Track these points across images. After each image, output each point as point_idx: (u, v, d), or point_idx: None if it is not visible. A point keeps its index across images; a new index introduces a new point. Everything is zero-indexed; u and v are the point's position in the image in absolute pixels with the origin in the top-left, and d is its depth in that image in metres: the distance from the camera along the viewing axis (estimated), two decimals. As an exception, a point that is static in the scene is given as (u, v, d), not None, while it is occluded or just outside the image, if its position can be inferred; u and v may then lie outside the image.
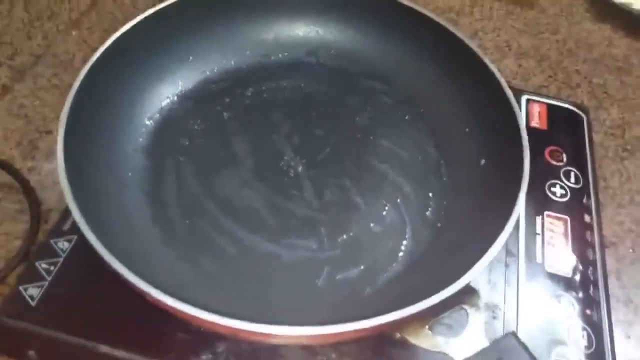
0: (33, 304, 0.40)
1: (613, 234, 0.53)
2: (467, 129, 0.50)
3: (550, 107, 0.60)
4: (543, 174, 0.53)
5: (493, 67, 0.48)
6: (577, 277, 0.46)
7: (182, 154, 0.49)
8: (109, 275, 0.39)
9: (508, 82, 0.47)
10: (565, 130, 0.58)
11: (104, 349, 0.39)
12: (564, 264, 0.47)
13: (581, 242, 0.49)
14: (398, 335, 0.33)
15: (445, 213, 0.47)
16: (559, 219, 0.50)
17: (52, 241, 0.44)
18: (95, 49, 0.63)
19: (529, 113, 0.58)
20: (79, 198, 0.36)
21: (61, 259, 0.43)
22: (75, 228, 0.45)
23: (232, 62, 0.55)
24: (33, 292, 0.41)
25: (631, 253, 0.53)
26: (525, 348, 0.33)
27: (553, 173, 0.53)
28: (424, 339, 0.33)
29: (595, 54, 0.74)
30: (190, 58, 0.54)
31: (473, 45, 0.50)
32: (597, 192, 0.53)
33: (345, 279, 0.43)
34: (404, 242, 0.45)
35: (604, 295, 0.46)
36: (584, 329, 0.43)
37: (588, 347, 0.42)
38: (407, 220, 0.46)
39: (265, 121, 0.51)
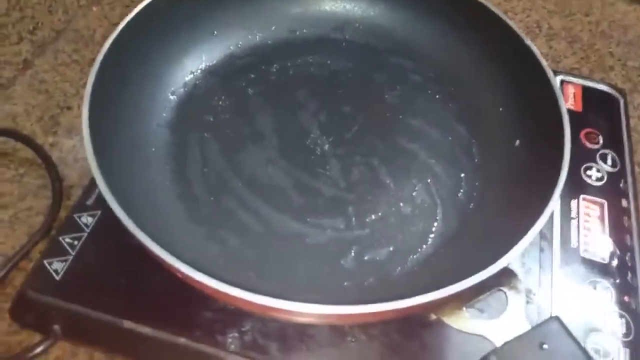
0: (57, 278, 0.40)
1: (650, 220, 0.51)
2: (500, 109, 0.48)
3: (585, 89, 0.57)
4: (579, 156, 0.51)
5: (531, 44, 0.46)
6: (614, 263, 0.44)
7: (207, 130, 0.48)
8: (134, 250, 0.38)
9: (538, 64, 0.45)
10: (601, 112, 0.56)
11: (129, 324, 0.38)
12: (601, 249, 0.45)
13: (618, 227, 0.47)
14: (434, 316, 0.32)
15: (478, 194, 0.45)
16: (595, 202, 0.48)
17: (75, 216, 0.43)
18: (116, 25, 0.63)
19: (564, 94, 0.56)
20: (105, 172, 0.35)
21: (85, 234, 0.42)
22: (98, 203, 0.45)
23: (258, 38, 0.54)
24: (57, 266, 0.40)
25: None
26: (570, 333, 0.31)
27: (589, 156, 0.51)
28: (461, 321, 0.32)
29: (630, 36, 0.71)
30: (215, 32, 0.52)
31: (509, 20, 0.48)
32: (635, 176, 0.51)
33: (373, 259, 0.41)
34: (435, 224, 0.43)
35: (642, 282, 0.44)
36: (621, 316, 0.42)
37: (626, 334, 0.41)
38: (438, 202, 0.45)
39: (290, 98, 0.50)
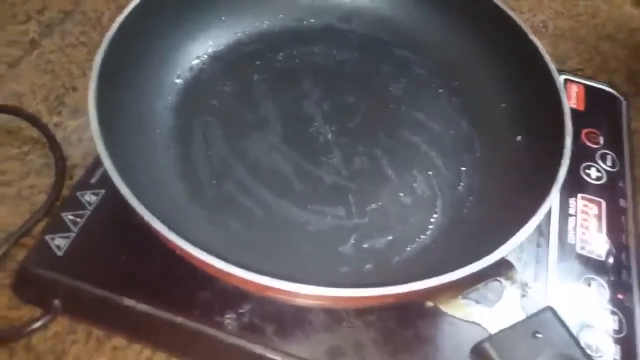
0: (59, 254, 0.40)
1: (647, 221, 0.52)
2: (503, 104, 0.49)
3: (588, 89, 0.58)
4: (579, 155, 0.51)
5: (535, 39, 0.46)
6: (610, 261, 0.45)
7: (211, 114, 0.48)
8: (136, 229, 0.39)
9: (542, 65, 0.46)
10: (603, 112, 0.56)
11: (128, 302, 0.39)
12: (597, 246, 0.46)
13: (615, 226, 0.47)
14: (430, 304, 0.33)
15: (478, 188, 0.45)
16: (593, 201, 0.49)
17: (78, 194, 0.44)
18: (123, 8, 0.63)
19: (567, 93, 0.57)
20: (110, 150, 0.35)
21: (88, 212, 0.43)
22: (102, 182, 0.45)
23: (265, 25, 0.54)
24: (60, 242, 0.41)
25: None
26: (563, 323, 0.32)
27: (589, 155, 0.52)
28: (457, 309, 0.32)
29: (635, 39, 0.72)
30: (223, 18, 0.53)
31: (515, 16, 0.48)
32: (634, 177, 0.51)
33: (372, 248, 0.42)
34: (434, 215, 0.44)
35: (636, 281, 0.44)
36: (614, 313, 0.42)
37: (618, 331, 0.41)
38: (438, 193, 0.45)
39: (295, 86, 0.50)
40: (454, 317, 0.32)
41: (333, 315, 0.39)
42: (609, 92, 0.58)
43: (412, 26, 0.54)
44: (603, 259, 0.45)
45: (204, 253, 0.31)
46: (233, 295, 0.39)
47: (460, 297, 0.32)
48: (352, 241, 0.42)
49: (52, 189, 0.50)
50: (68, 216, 0.42)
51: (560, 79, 0.57)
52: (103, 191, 0.44)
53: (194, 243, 0.32)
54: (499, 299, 0.33)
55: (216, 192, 0.44)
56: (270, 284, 0.30)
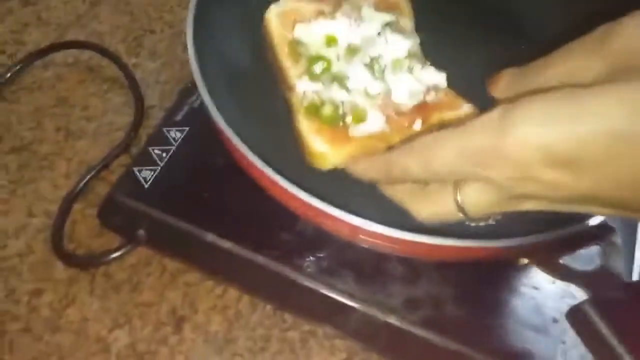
0: (146, 185, 0.41)
1: None
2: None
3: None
4: None
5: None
6: None
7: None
8: (220, 167, 0.39)
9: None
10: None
11: (210, 237, 0.39)
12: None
13: None
14: (524, 261, 0.32)
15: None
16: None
17: (164, 129, 0.44)
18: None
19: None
20: (208, 84, 0.35)
21: (173, 147, 0.43)
22: (187, 120, 0.45)
23: None
24: (146, 174, 0.41)
25: None
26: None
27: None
28: (554, 269, 0.31)
29: None
30: None
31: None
32: None
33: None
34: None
35: None
36: None
37: None
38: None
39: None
40: (550, 277, 0.31)
41: (411, 268, 0.39)
42: None
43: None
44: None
45: (301, 192, 0.31)
46: (313, 239, 0.39)
47: (558, 257, 0.31)
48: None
49: (131, 127, 0.51)
50: (155, 150, 0.43)
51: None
52: (187, 128, 0.44)
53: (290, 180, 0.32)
54: (600, 263, 0.32)
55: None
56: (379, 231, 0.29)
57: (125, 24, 0.60)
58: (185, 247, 0.41)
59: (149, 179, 0.41)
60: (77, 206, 0.47)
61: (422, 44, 0.43)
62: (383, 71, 0.38)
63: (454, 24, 0.48)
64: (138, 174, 0.41)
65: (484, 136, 0.25)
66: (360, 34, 0.39)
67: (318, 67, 0.38)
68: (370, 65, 0.38)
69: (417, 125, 0.37)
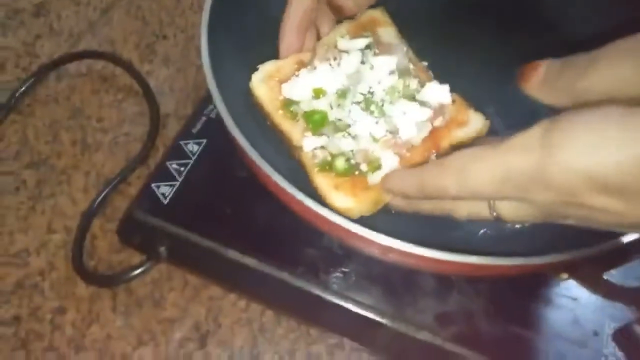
0: (165, 202, 0.40)
1: None
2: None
3: None
4: None
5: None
6: None
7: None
8: (240, 180, 0.38)
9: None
10: None
11: (233, 254, 0.38)
12: None
13: None
14: (565, 276, 0.30)
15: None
16: None
17: (181, 143, 0.43)
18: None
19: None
20: (225, 100, 0.33)
21: (191, 161, 0.42)
22: (204, 132, 0.44)
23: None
24: (165, 190, 0.40)
25: None
26: None
27: None
28: (597, 285, 0.29)
29: None
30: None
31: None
32: None
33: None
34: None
35: None
36: None
37: None
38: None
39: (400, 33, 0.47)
40: (593, 293, 0.29)
41: (443, 281, 0.37)
42: None
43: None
44: None
45: (319, 206, 0.30)
46: (340, 254, 0.38)
47: (602, 274, 0.30)
48: (464, 205, 0.39)
49: (148, 137, 0.50)
50: (173, 165, 0.41)
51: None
52: (205, 141, 0.43)
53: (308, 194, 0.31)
54: (645, 277, 0.30)
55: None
56: (401, 248, 0.28)
57: (137, 29, 0.59)
58: (207, 263, 0.40)
59: (168, 195, 0.40)
60: (96, 221, 0.46)
61: (414, 48, 0.42)
62: (381, 107, 0.37)
63: (441, 22, 0.46)
64: (156, 190, 0.40)
65: (525, 158, 0.23)
66: (344, 72, 0.39)
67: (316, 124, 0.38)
68: (366, 106, 0.37)
69: (433, 158, 0.37)
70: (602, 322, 0.33)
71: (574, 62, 0.28)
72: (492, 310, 0.36)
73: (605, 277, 0.29)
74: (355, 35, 0.42)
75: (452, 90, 0.42)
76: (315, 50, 0.41)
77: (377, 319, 0.36)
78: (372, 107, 0.38)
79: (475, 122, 0.40)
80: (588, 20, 0.47)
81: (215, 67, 0.35)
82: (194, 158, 0.42)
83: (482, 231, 0.38)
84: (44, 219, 0.47)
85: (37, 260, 0.45)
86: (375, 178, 0.36)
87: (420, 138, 0.38)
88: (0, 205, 0.47)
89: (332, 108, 0.39)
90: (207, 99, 0.44)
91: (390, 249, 0.29)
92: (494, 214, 0.28)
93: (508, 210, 0.28)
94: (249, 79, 0.42)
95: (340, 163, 0.37)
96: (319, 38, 0.43)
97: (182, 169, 0.41)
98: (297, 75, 0.40)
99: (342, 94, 0.39)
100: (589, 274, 0.29)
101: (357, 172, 0.37)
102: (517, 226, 0.38)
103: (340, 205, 0.36)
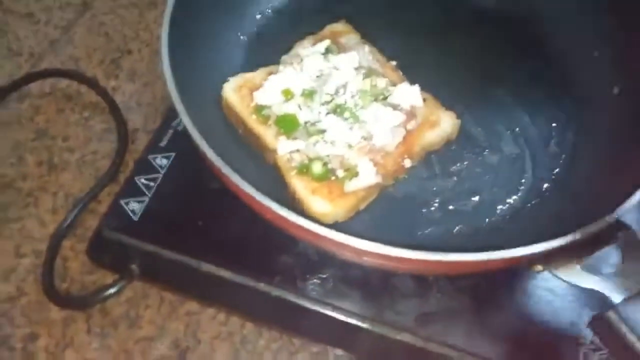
0: (135, 218, 0.39)
1: None
2: (595, 53, 0.44)
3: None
4: None
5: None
6: None
7: (278, 72, 0.46)
8: (210, 192, 0.37)
9: None
10: None
11: (206, 267, 0.38)
12: None
13: None
14: (539, 268, 0.30)
15: (571, 146, 0.42)
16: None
17: (150, 157, 0.42)
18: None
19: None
20: (190, 114, 0.33)
21: (160, 175, 0.41)
22: (173, 145, 0.43)
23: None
24: (134, 206, 0.39)
25: None
26: (696, 289, 0.29)
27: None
28: (573, 275, 0.30)
29: None
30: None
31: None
32: None
33: (459, 210, 0.39)
34: (525, 175, 0.41)
35: None
36: None
37: None
38: (527, 152, 0.42)
39: (366, 38, 0.47)
40: (569, 283, 0.29)
41: (421, 281, 0.37)
42: None
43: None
44: None
45: (292, 214, 0.29)
46: (316, 260, 0.37)
47: (575, 262, 0.30)
48: (437, 203, 0.39)
49: (116, 154, 0.49)
50: (141, 180, 0.41)
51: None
52: (173, 154, 0.42)
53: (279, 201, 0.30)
54: (619, 265, 0.30)
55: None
56: (370, 249, 0.28)
57: (101, 46, 0.58)
58: (182, 278, 0.39)
59: (138, 211, 0.39)
60: (66, 242, 0.45)
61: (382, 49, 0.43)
62: (354, 113, 0.37)
63: (408, 23, 0.48)
64: (125, 206, 0.39)
65: None
66: (308, 74, 0.40)
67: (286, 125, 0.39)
68: (340, 112, 0.37)
69: (407, 163, 0.38)
70: (579, 311, 0.33)
71: None
72: (474, 307, 0.36)
73: (579, 266, 0.29)
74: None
75: (422, 89, 0.42)
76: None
77: (358, 323, 0.36)
78: (346, 114, 0.39)
79: (446, 122, 0.41)
80: (552, 15, 0.48)
81: (179, 80, 0.35)
82: (163, 172, 0.41)
83: (457, 228, 0.38)
84: (11, 243, 0.46)
85: (5, 287, 0.44)
86: (352, 185, 0.37)
87: (394, 144, 0.38)
88: (-36, 231, 0.46)
89: (300, 109, 0.39)
90: (174, 112, 0.43)
91: (364, 252, 0.28)
92: None
93: None
94: (219, 89, 0.42)
95: (317, 167, 0.37)
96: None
97: (151, 183, 0.41)
98: (266, 81, 0.40)
99: (309, 94, 0.39)
100: (564, 265, 0.29)
101: (333, 178, 0.37)
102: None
103: (317, 210, 0.36)
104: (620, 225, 0.29)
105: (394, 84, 0.41)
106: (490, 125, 0.43)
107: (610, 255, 0.32)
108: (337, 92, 0.39)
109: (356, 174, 0.37)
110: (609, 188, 0.34)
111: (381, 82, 0.40)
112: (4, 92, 0.52)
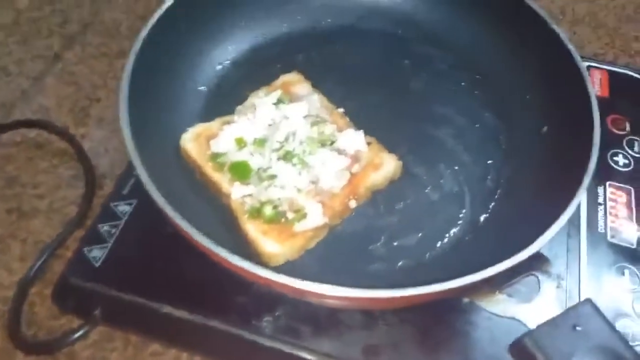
0: (97, 264, 0.41)
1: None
2: (527, 96, 0.49)
3: (611, 74, 0.57)
4: (605, 142, 0.50)
5: (557, 28, 0.46)
6: (643, 249, 0.45)
7: (236, 120, 0.49)
8: (170, 237, 0.39)
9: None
10: (628, 97, 0.55)
11: (167, 309, 0.40)
12: (628, 234, 0.46)
13: (646, 213, 0.47)
14: (466, 300, 0.33)
15: (506, 181, 0.45)
16: (621, 189, 0.48)
17: (112, 205, 0.44)
18: (141, 17, 0.63)
19: (590, 80, 0.56)
20: (145, 163, 0.36)
21: (122, 222, 0.43)
22: (134, 192, 0.46)
23: (284, 28, 0.54)
24: (97, 253, 0.41)
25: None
26: (602, 315, 0.32)
27: (616, 142, 0.51)
28: (494, 304, 0.32)
29: (657, 20, 0.70)
30: (242, 23, 0.53)
31: (533, 4, 0.48)
32: (664, 162, 0.51)
33: (403, 245, 0.42)
34: (463, 210, 0.44)
35: (671, 268, 0.44)
36: (650, 300, 0.42)
37: (655, 319, 0.41)
38: (465, 188, 0.45)
39: (317, 87, 0.51)
40: (491, 312, 0.32)
41: (368, 314, 0.40)
42: (632, 77, 0.57)
43: (432, 21, 0.54)
44: (634, 246, 0.45)
45: (246, 262, 0.32)
46: (268, 299, 0.40)
47: (497, 292, 0.32)
48: (383, 240, 0.42)
49: (83, 200, 0.51)
50: (104, 227, 0.43)
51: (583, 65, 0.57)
52: (135, 201, 0.45)
53: (232, 249, 0.33)
54: (535, 293, 0.33)
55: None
56: (310, 289, 0.30)
57: (70, 94, 0.61)
58: (143, 321, 0.41)
59: (100, 258, 0.41)
60: (34, 289, 0.46)
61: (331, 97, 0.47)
62: (302, 159, 0.41)
63: (355, 73, 0.52)
64: (88, 253, 0.41)
65: None
66: (261, 123, 0.43)
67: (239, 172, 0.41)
68: (288, 158, 0.41)
69: (353, 204, 0.40)
70: (501, 338, 0.36)
71: None
72: (417, 338, 0.39)
73: (500, 296, 0.32)
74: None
75: (367, 134, 0.46)
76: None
77: (308, 357, 0.38)
78: (294, 160, 0.42)
79: (389, 164, 0.44)
80: (489, 62, 0.52)
81: (137, 129, 0.38)
82: (124, 219, 0.43)
83: (400, 263, 0.40)
84: (-22, 291, 0.47)
85: (-28, 335, 0.45)
86: (301, 226, 0.39)
87: (340, 186, 0.41)
88: None
89: (252, 156, 0.42)
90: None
91: (304, 292, 0.31)
92: None
93: None
94: (179, 136, 0.45)
95: (268, 210, 0.40)
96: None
97: (113, 230, 0.43)
98: (222, 130, 0.43)
99: (260, 142, 0.42)
100: (485, 294, 0.31)
101: (283, 220, 0.40)
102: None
103: (268, 251, 0.39)
104: (537, 255, 0.32)
105: (341, 130, 0.45)
106: (432, 165, 0.46)
107: (528, 283, 0.35)
108: (287, 139, 0.43)
109: (304, 216, 0.40)
110: (535, 220, 0.37)
111: (328, 129, 0.43)
112: (-24, 143, 0.54)
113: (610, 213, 0.47)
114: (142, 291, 0.40)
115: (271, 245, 0.39)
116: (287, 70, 0.50)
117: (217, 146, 0.43)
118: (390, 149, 0.45)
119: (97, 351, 0.44)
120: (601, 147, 0.50)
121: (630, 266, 0.44)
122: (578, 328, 0.30)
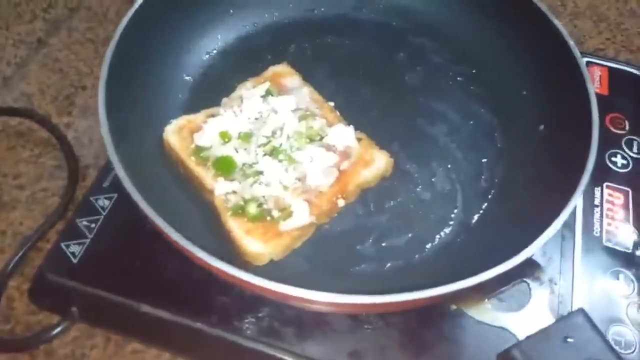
0: (75, 261, 0.40)
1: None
2: (524, 92, 0.47)
3: (611, 71, 0.55)
4: (603, 142, 0.49)
5: (558, 23, 0.44)
6: (638, 253, 0.43)
7: (222, 112, 0.47)
8: (150, 234, 0.38)
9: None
10: (628, 95, 0.54)
11: (146, 308, 0.38)
12: (624, 238, 0.44)
13: (643, 216, 0.46)
14: (454, 307, 0.31)
15: (500, 181, 0.44)
16: (619, 190, 0.47)
17: (92, 199, 0.43)
18: (129, 1, 0.61)
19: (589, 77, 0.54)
20: (123, 158, 0.34)
21: (102, 217, 0.42)
22: (115, 186, 0.44)
23: (274, 17, 0.52)
24: (75, 249, 0.40)
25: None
26: (595, 327, 0.30)
27: (614, 141, 0.50)
28: (482, 312, 0.31)
29: (661, 15, 0.69)
30: (231, 11, 0.51)
31: (535, -1, 0.46)
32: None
33: (392, 246, 0.41)
34: (455, 210, 0.43)
35: (666, 273, 0.43)
36: (644, 307, 0.41)
37: (649, 325, 0.40)
38: (458, 187, 0.44)
39: (308, 79, 0.49)
40: (479, 321, 0.30)
41: (354, 317, 0.38)
42: (633, 74, 0.56)
43: (428, 13, 0.52)
44: (631, 250, 0.44)
45: (226, 264, 0.30)
46: (251, 300, 0.38)
47: (486, 299, 0.31)
48: (371, 240, 0.41)
49: (65, 191, 0.50)
50: (83, 222, 0.41)
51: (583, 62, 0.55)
52: (115, 195, 0.43)
53: (211, 251, 0.31)
54: (526, 301, 0.32)
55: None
56: (289, 292, 0.29)
57: (55, 82, 0.59)
58: (122, 319, 0.40)
59: (78, 254, 0.40)
60: (13, 282, 0.45)
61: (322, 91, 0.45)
62: (289, 155, 0.39)
63: (347, 67, 0.50)
64: (66, 249, 0.40)
65: None
66: (247, 117, 0.41)
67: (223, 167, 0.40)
68: (275, 154, 0.39)
69: (341, 203, 0.39)
70: (490, 347, 0.35)
71: None
72: (402, 343, 0.37)
73: (489, 304, 0.30)
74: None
75: (357, 129, 0.44)
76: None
77: (291, 360, 0.37)
78: (281, 156, 0.40)
79: (380, 161, 0.42)
80: (483, 58, 0.50)
81: (116, 121, 0.36)
82: (104, 214, 0.42)
83: (389, 264, 0.39)
84: (-45, 284, 0.46)
85: (-54, 330, 0.44)
86: (286, 225, 0.38)
87: (328, 184, 0.39)
88: None
89: (237, 151, 0.40)
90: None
91: (284, 296, 0.30)
92: None
93: None
94: (161, 128, 0.43)
95: (252, 208, 0.39)
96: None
97: (92, 225, 0.41)
98: (205, 123, 0.42)
99: (246, 136, 0.41)
100: (474, 301, 0.30)
101: (268, 218, 0.39)
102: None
103: (252, 250, 0.37)
104: (528, 261, 0.31)
105: (331, 125, 0.43)
106: (424, 162, 0.45)
107: (518, 291, 0.33)
108: (273, 134, 0.41)
109: (290, 214, 0.38)
110: (529, 223, 0.36)
111: (317, 124, 0.42)
112: (-47, 131, 0.52)
113: (607, 215, 0.46)
114: (120, 289, 0.39)
115: (255, 244, 0.37)
116: (277, 61, 0.49)
117: (200, 140, 0.41)
118: (382, 146, 0.44)
119: (76, 348, 0.43)
120: (599, 147, 0.48)
121: (625, 270, 0.43)
122: (569, 340, 0.29)
